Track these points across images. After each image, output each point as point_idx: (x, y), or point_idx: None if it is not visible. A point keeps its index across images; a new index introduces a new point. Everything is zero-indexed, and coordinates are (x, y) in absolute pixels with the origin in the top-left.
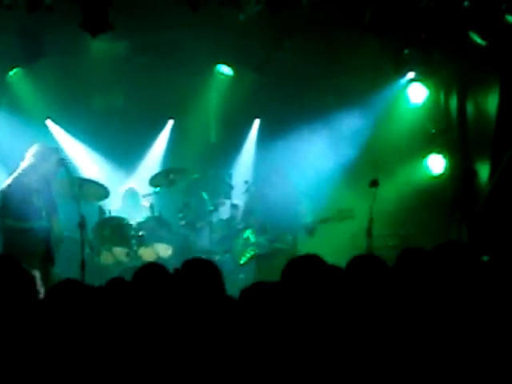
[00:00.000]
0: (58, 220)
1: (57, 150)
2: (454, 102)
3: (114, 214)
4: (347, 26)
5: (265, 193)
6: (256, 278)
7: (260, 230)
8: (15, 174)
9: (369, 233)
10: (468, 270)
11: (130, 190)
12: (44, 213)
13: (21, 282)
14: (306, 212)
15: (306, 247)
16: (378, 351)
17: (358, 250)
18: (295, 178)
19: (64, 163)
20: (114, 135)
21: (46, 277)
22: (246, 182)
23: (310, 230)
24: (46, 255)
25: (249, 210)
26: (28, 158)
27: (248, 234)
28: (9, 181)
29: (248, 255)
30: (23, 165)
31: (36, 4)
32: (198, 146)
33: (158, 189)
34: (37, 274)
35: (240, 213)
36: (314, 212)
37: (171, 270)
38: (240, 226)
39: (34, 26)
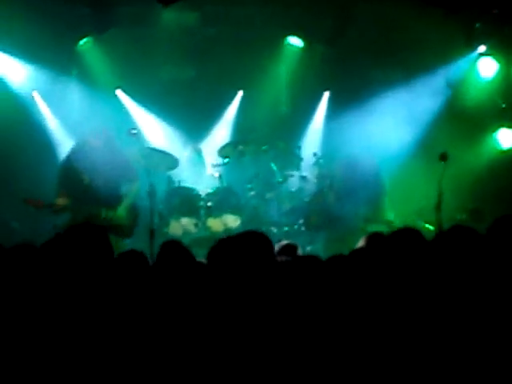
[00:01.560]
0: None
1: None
2: None
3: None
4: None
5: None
6: (325, 250)
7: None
8: (66, 154)
9: (438, 207)
10: None
11: (197, 153)
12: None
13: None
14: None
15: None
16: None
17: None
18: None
19: (131, 133)
20: (183, 106)
21: None
22: (315, 154)
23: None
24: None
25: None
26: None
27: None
28: (63, 162)
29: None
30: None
31: None
32: (268, 117)
33: (227, 159)
34: None
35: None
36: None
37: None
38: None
39: None
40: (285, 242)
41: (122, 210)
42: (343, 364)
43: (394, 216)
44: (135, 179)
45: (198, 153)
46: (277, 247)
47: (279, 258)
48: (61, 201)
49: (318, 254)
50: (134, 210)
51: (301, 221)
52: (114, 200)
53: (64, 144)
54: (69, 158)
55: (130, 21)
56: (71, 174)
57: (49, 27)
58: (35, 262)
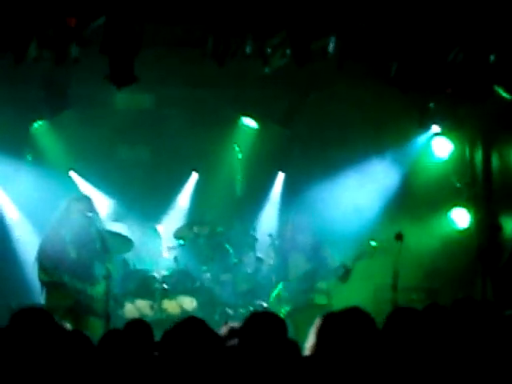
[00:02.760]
0: (108, 267)
1: (81, 197)
2: (479, 157)
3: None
4: (372, 80)
5: (288, 248)
6: (293, 335)
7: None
8: (50, 228)
9: (394, 286)
10: (484, 326)
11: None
12: (81, 267)
13: (50, 335)
14: (331, 256)
15: (336, 301)
16: None
17: (381, 304)
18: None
19: (92, 210)
20: (138, 187)
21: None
22: (271, 235)
23: (343, 274)
24: (78, 308)
25: (279, 265)
26: (60, 210)
27: (279, 289)
28: (47, 232)
29: (283, 311)
30: (56, 218)
31: (62, 57)
32: (223, 198)
33: (182, 241)
34: (68, 325)
35: (267, 268)
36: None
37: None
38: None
39: (59, 78)
40: (233, 324)
41: (100, 288)
42: None
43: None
44: (111, 260)
45: (154, 234)
46: (225, 329)
47: (229, 343)
48: (42, 276)
49: None
50: (108, 291)
51: (257, 302)
52: (95, 276)
53: (19, 226)
54: (53, 229)
55: (83, 102)
56: (57, 247)
57: (2, 110)
58: None
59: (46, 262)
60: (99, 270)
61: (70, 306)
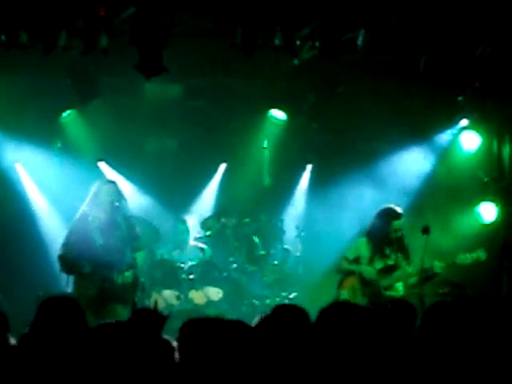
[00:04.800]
0: (135, 256)
1: (109, 181)
2: (506, 151)
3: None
4: (401, 73)
5: None
6: None
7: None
8: (78, 216)
9: (421, 280)
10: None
11: (181, 222)
12: (108, 254)
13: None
14: None
15: None
16: None
17: (409, 297)
18: (345, 225)
19: (120, 196)
20: (166, 178)
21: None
22: (298, 226)
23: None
24: (103, 297)
25: None
26: (88, 197)
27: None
28: (73, 223)
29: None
30: (84, 205)
31: (91, 46)
32: (250, 189)
33: (209, 232)
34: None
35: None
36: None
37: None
38: None
39: (88, 68)
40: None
41: (129, 277)
42: None
43: None
44: (141, 248)
45: (182, 225)
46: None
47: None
48: (63, 269)
49: None
50: (136, 279)
51: (283, 293)
52: (122, 265)
53: (47, 215)
54: (81, 215)
55: (112, 92)
56: (84, 233)
57: (32, 99)
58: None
59: (70, 252)
60: (128, 258)
61: (93, 296)
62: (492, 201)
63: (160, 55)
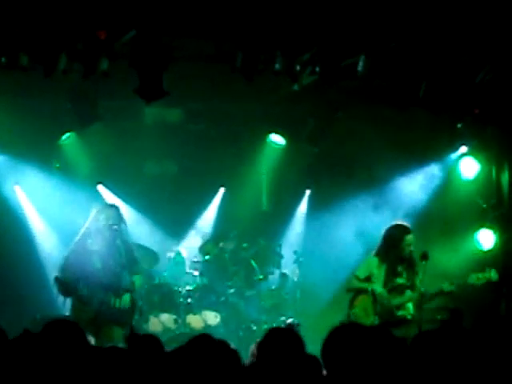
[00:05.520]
0: (133, 280)
1: (110, 205)
2: (505, 178)
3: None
4: (401, 99)
5: None
6: None
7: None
8: (77, 238)
9: (419, 306)
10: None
11: (177, 254)
12: (106, 277)
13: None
14: None
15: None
16: None
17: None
18: (344, 250)
19: (120, 220)
20: (165, 201)
21: (102, 342)
22: (296, 252)
23: None
24: (100, 319)
25: None
26: (88, 220)
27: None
28: (72, 246)
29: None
30: (84, 228)
31: (92, 69)
32: (249, 214)
33: (207, 256)
34: (91, 339)
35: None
36: None
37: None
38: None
39: (89, 91)
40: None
41: (126, 301)
42: None
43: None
44: (139, 272)
45: (177, 257)
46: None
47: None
48: (59, 291)
49: None
50: (134, 302)
51: (281, 318)
52: (120, 288)
53: (45, 237)
54: (80, 238)
55: (112, 116)
56: (83, 257)
57: (31, 122)
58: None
59: (67, 275)
60: (126, 281)
61: (90, 318)
62: (490, 228)
63: (160, 79)
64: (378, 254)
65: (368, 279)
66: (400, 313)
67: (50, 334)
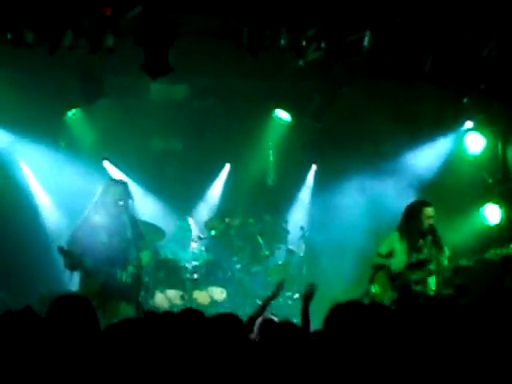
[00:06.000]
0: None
1: (117, 181)
2: (511, 153)
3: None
4: (407, 74)
5: None
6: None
7: None
8: (85, 214)
9: (423, 279)
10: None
11: (184, 221)
12: (112, 252)
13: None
14: None
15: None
16: None
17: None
18: (349, 225)
19: (128, 196)
20: (171, 177)
21: (108, 316)
22: (302, 227)
23: None
24: (106, 293)
25: None
26: (96, 196)
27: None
28: (79, 221)
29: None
30: (92, 203)
31: (97, 45)
32: (255, 190)
33: (213, 232)
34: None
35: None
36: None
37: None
38: None
39: (94, 67)
40: (267, 316)
41: (132, 275)
42: None
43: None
44: (146, 247)
45: (183, 223)
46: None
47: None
48: (66, 262)
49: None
50: (139, 277)
51: (287, 294)
52: (126, 263)
53: (50, 213)
54: (88, 214)
55: (118, 92)
56: (89, 231)
57: (37, 98)
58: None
59: (74, 248)
60: (132, 256)
61: (97, 292)
62: (496, 202)
63: (166, 55)
64: (398, 229)
65: (389, 255)
66: (418, 288)
67: (59, 310)
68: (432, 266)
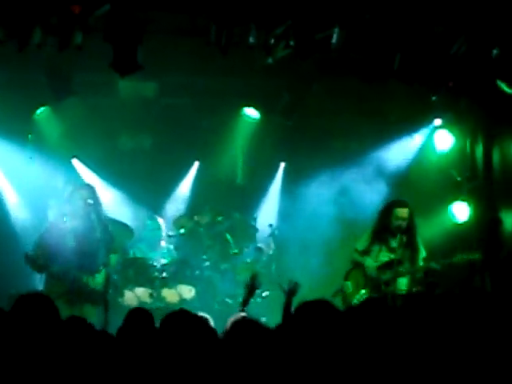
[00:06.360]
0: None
1: (85, 185)
2: (479, 150)
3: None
4: (375, 71)
5: None
6: None
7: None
8: (52, 217)
9: (393, 280)
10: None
11: (153, 220)
12: (79, 256)
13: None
14: None
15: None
16: None
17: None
18: (316, 222)
19: (95, 198)
20: (140, 175)
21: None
22: (271, 225)
23: None
24: (71, 296)
25: None
26: (63, 199)
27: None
28: (47, 224)
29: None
30: (61, 207)
31: (66, 43)
32: (224, 188)
33: (182, 230)
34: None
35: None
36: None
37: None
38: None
39: (63, 65)
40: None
41: (100, 278)
42: None
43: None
44: (115, 251)
45: (153, 222)
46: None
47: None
48: (31, 267)
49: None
50: (108, 280)
51: (256, 291)
52: (94, 267)
53: (19, 211)
54: (55, 218)
55: (87, 90)
56: (57, 235)
57: (6, 96)
58: None
59: (41, 253)
60: (100, 260)
61: (62, 292)
62: (465, 200)
63: (135, 53)
64: (372, 228)
65: (366, 252)
66: (389, 289)
67: (21, 308)
68: (403, 268)
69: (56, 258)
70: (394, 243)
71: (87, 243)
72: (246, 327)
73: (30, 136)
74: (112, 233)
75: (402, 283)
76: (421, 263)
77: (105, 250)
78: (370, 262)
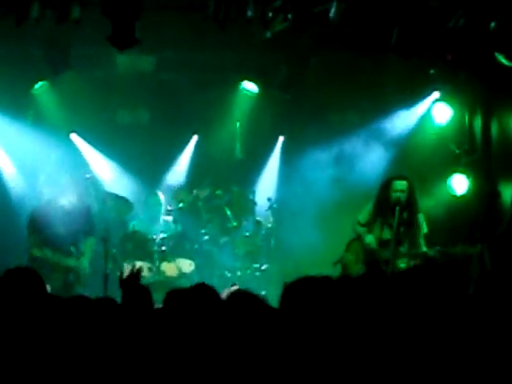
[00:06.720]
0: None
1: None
2: (478, 123)
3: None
4: (373, 45)
5: None
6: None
7: None
8: (48, 198)
9: (393, 254)
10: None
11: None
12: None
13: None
14: None
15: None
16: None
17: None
18: (318, 196)
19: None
20: (138, 150)
21: None
22: (269, 198)
23: None
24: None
25: None
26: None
27: None
28: (42, 201)
29: None
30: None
31: (64, 17)
32: (222, 162)
33: (181, 204)
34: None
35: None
36: None
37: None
38: None
39: (61, 39)
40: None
41: (85, 261)
42: None
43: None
44: (91, 233)
45: (154, 197)
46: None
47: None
48: (36, 251)
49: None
50: (107, 254)
51: (255, 265)
52: (73, 250)
53: (18, 187)
54: (40, 206)
55: (85, 64)
56: (40, 221)
57: (4, 70)
58: None
59: (37, 237)
60: (83, 245)
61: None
62: (463, 173)
63: (133, 27)
64: (373, 203)
65: (368, 225)
66: (388, 268)
67: (7, 282)
68: (403, 248)
69: (45, 240)
70: (394, 220)
71: (74, 230)
72: (242, 299)
73: (30, 112)
74: (91, 217)
75: (401, 265)
76: (421, 242)
77: (84, 235)
78: (370, 239)
